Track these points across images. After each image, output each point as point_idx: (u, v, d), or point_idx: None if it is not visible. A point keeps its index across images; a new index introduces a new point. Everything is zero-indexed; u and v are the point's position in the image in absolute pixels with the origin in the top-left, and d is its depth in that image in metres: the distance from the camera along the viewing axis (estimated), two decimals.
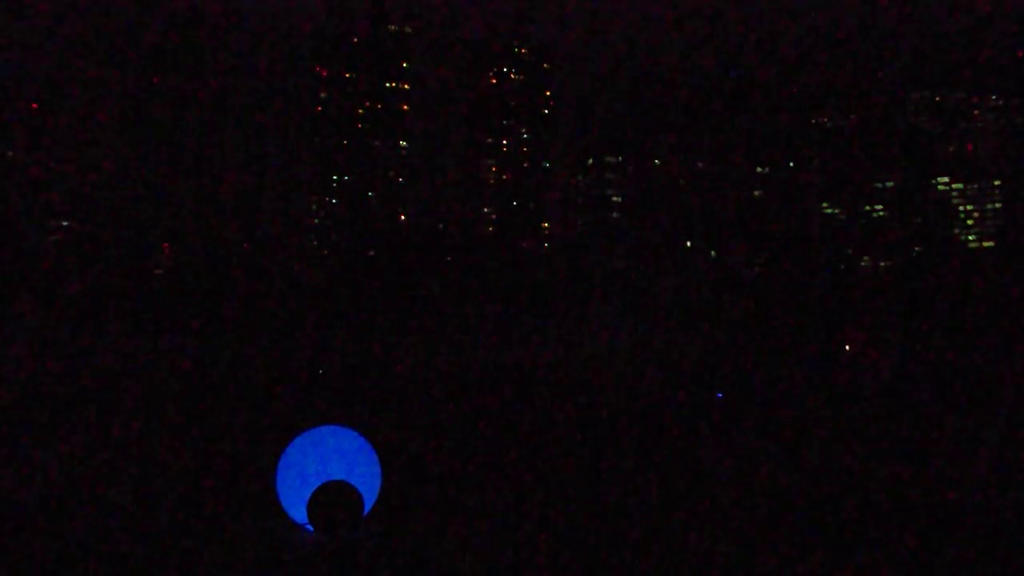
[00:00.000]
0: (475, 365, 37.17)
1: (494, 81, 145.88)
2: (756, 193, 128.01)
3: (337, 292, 62.94)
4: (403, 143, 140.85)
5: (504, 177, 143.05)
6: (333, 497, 10.02)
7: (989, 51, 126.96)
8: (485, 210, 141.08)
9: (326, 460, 10.62)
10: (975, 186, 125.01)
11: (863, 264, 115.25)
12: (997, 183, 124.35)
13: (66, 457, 15.18)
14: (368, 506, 10.64)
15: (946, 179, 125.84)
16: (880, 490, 12.34)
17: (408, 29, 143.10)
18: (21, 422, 19.29)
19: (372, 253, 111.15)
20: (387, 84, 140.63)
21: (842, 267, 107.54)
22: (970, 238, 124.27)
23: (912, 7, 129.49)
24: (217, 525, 10.80)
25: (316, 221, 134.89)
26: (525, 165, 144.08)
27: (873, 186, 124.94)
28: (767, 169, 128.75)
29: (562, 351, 43.24)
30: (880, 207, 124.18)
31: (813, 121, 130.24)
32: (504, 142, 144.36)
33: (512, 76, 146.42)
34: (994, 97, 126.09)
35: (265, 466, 11.99)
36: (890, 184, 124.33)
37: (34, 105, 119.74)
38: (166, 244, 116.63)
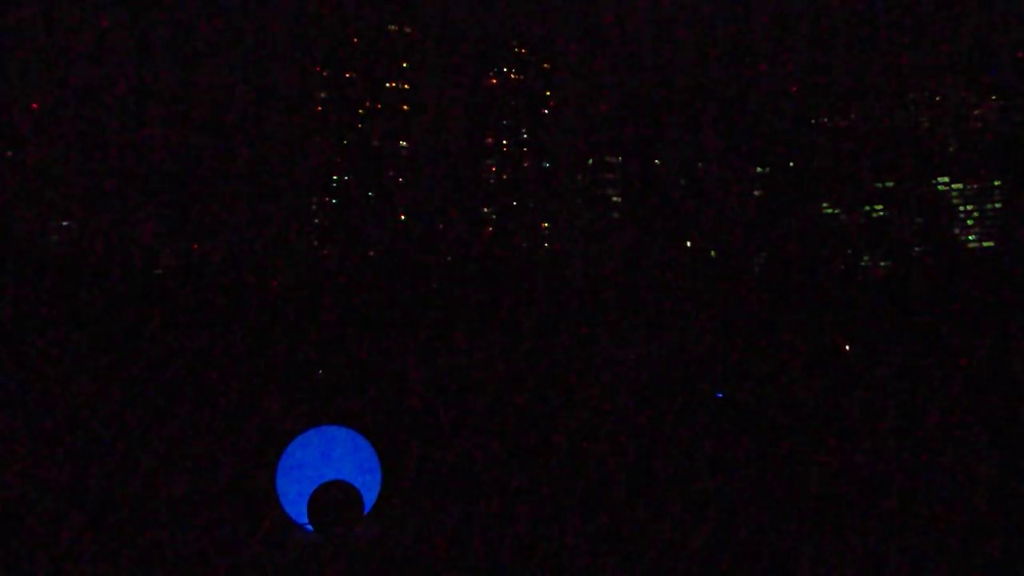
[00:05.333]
0: (475, 365, 37.17)
1: (494, 81, 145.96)
2: (756, 193, 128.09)
3: (337, 292, 62.92)
4: (403, 143, 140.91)
5: (504, 177, 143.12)
6: (333, 497, 10.02)
7: (989, 51, 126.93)
8: (485, 210, 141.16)
9: (326, 460, 10.62)
10: (975, 186, 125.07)
11: (863, 264, 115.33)
12: (997, 183, 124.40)
13: (65, 457, 15.18)
14: (368, 506, 10.64)
15: (946, 179, 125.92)
16: (880, 489, 12.34)
17: (408, 29, 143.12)
18: (20, 422, 19.30)
19: (372, 253, 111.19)
20: (387, 84, 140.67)
21: (842, 267, 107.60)
22: (970, 238, 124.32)
23: (913, 7, 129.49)
24: (217, 525, 10.79)
25: (316, 221, 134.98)
26: (525, 165, 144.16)
27: (873, 186, 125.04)
28: (767, 169, 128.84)
29: (561, 351, 43.22)
30: (880, 207, 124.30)
31: (813, 121, 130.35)
32: (504, 142, 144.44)
33: (512, 76, 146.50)
34: (994, 97, 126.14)
35: (265, 466, 11.99)
36: (890, 184, 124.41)
37: (34, 105, 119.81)
38: (166, 244, 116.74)
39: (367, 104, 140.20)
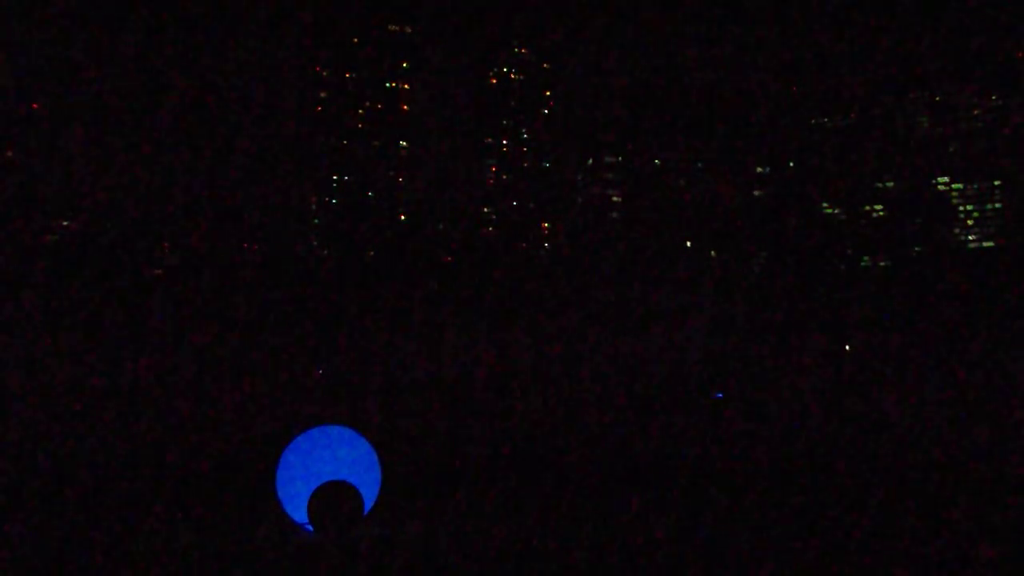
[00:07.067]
0: (475, 365, 37.20)
1: (494, 81, 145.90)
2: (756, 193, 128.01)
3: (337, 292, 62.90)
4: (403, 143, 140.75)
5: (504, 177, 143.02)
6: (333, 497, 10.01)
7: (989, 51, 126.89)
8: (485, 210, 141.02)
9: (326, 460, 10.62)
10: (975, 186, 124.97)
11: (863, 264, 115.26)
12: (997, 183, 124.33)
13: (65, 456, 15.18)
14: (368, 506, 10.64)
15: (946, 179, 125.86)
16: (881, 489, 12.33)
17: (408, 29, 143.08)
18: (21, 421, 19.31)
19: (372, 253, 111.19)
20: (387, 84, 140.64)
21: (843, 267, 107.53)
22: (970, 238, 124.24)
23: (913, 7, 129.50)
24: (217, 525, 10.79)
25: (316, 221, 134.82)
26: (525, 165, 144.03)
27: (873, 186, 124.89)
28: (767, 169, 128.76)
29: (561, 351, 43.25)
30: (880, 207, 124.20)
31: (813, 121, 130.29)
32: (504, 142, 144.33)
33: (512, 76, 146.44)
34: (994, 97, 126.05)
35: (265, 466, 11.98)
36: (890, 184, 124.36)
37: (34, 105, 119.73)
38: (166, 244, 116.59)
39: (367, 104, 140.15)
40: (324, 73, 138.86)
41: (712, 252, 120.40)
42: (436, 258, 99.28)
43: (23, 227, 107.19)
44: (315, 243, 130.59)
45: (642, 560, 9.22)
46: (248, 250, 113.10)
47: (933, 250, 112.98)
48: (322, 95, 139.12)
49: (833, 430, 17.91)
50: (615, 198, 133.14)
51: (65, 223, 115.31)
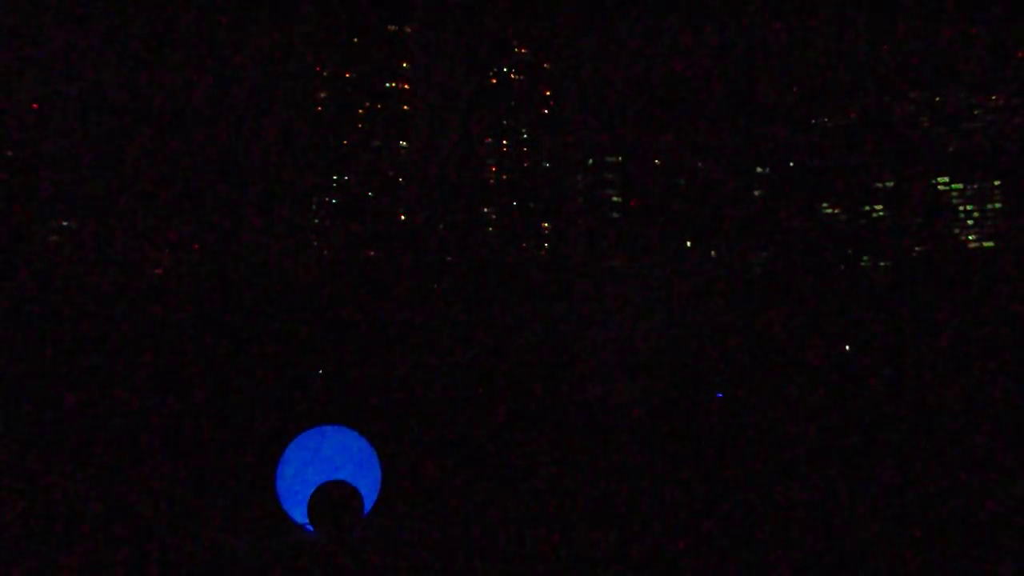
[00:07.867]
0: (474, 365, 37.19)
1: (494, 81, 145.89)
2: (756, 193, 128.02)
3: (337, 292, 62.90)
4: (403, 143, 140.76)
5: (504, 177, 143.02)
6: (333, 497, 10.02)
7: (989, 51, 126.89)
8: (485, 210, 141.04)
9: (326, 460, 10.62)
10: (975, 186, 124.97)
11: (863, 264, 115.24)
12: (997, 183, 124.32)
13: (65, 457, 15.19)
14: (368, 506, 10.65)
15: (946, 179, 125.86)
16: (880, 490, 12.35)
17: (408, 29, 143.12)
18: (20, 421, 19.31)
19: (372, 253, 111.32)
20: (387, 84, 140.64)
21: (843, 267, 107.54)
22: (970, 238, 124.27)
23: (911, 8, 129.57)
24: (217, 525, 10.79)
25: (316, 221, 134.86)
26: (525, 165, 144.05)
27: (873, 186, 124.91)
28: (767, 169, 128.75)
29: (561, 351, 43.24)
30: (880, 207, 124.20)
31: (813, 121, 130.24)
32: (504, 142, 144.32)
33: (512, 76, 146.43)
34: (994, 97, 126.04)
35: (265, 466, 11.99)
36: (890, 184, 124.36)
37: (34, 105, 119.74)
38: (166, 244, 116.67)
39: (367, 104, 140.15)
40: (324, 73, 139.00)
41: (712, 252, 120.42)
42: (436, 258, 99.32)
43: (23, 227, 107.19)
44: (315, 243, 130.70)
45: (642, 559, 9.23)
46: (247, 250, 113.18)
47: (933, 250, 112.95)
48: (322, 95, 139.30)
49: (833, 430, 17.92)
50: (615, 198, 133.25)
51: (65, 223, 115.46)
